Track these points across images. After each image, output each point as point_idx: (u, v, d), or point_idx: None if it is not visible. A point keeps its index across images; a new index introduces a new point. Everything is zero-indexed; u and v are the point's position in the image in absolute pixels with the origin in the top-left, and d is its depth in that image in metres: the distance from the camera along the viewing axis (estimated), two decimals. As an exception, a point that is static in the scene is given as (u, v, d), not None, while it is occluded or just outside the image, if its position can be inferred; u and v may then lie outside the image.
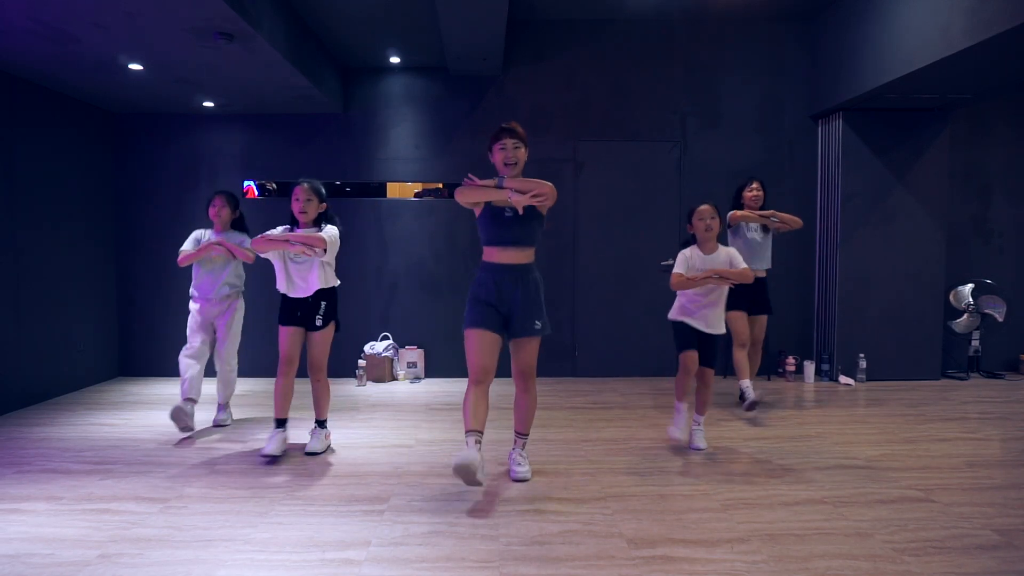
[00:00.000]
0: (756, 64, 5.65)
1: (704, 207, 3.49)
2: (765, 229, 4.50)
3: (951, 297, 5.63)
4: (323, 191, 3.52)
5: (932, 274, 5.44)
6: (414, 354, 5.65)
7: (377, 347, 5.59)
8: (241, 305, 4.09)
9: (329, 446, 3.62)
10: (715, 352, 3.53)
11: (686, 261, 3.48)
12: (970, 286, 5.59)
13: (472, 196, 2.99)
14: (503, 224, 2.95)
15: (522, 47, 5.59)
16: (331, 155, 5.69)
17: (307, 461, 3.40)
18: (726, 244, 3.71)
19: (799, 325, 5.75)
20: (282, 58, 4.21)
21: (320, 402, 3.57)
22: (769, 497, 2.87)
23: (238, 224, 4.07)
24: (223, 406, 4.15)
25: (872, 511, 2.71)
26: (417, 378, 5.65)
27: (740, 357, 4.35)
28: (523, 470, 3.10)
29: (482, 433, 2.90)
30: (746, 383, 4.34)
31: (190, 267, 3.99)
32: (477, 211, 3.03)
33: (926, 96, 4.91)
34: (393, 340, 5.68)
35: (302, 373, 3.57)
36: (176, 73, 4.51)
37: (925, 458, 3.42)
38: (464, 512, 2.71)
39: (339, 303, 3.61)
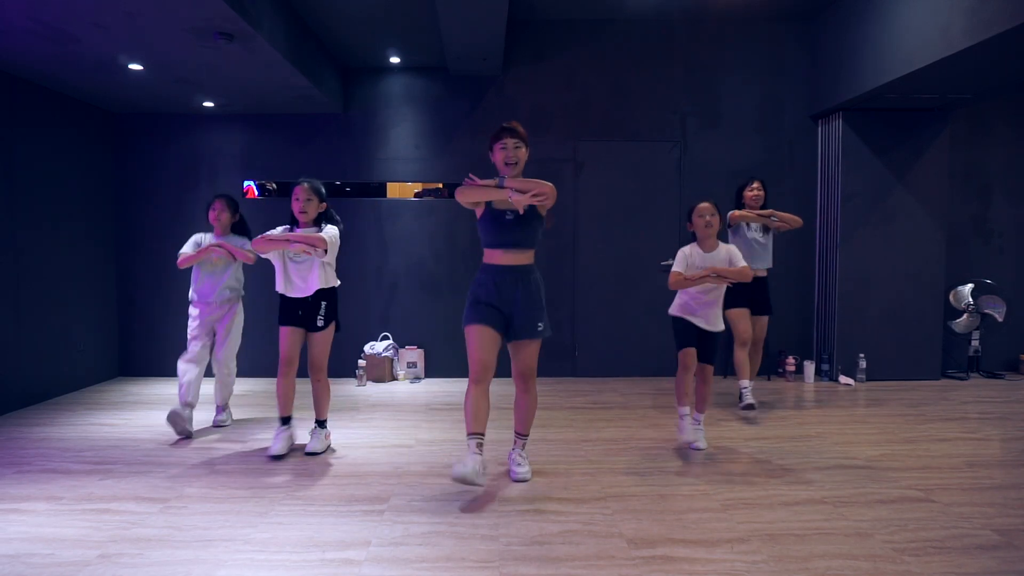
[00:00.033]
0: (756, 64, 5.66)
1: (704, 204, 3.50)
2: (766, 229, 4.50)
3: (951, 297, 5.63)
4: (323, 191, 3.52)
5: (932, 274, 5.44)
6: (414, 354, 5.65)
7: (377, 347, 5.59)
8: (241, 309, 4.08)
9: (329, 446, 3.62)
10: (715, 349, 3.54)
11: (685, 259, 3.48)
12: (970, 286, 5.59)
13: (472, 196, 2.98)
14: (504, 227, 2.95)
15: (522, 47, 5.59)
16: (331, 155, 5.69)
17: (307, 461, 3.41)
18: (727, 243, 3.72)
19: (799, 325, 5.75)
20: (282, 58, 4.21)
21: (320, 402, 3.57)
22: (769, 497, 2.87)
23: (238, 228, 4.07)
24: (222, 408, 4.14)
25: (872, 511, 2.71)
26: (417, 378, 5.65)
27: (741, 357, 4.35)
28: (523, 471, 3.10)
29: (483, 435, 2.93)
30: (745, 383, 4.36)
31: (190, 269, 3.99)
32: (478, 212, 3.03)
33: (926, 96, 4.92)
34: (393, 340, 5.68)
35: (302, 373, 3.57)
36: (176, 73, 4.51)
37: (925, 458, 3.42)
38: (464, 512, 2.71)
39: (339, 303, 3.62)
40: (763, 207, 4.49)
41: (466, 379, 3.10)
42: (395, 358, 5.62)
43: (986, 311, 5.54)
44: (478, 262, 3.09)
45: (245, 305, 4.17)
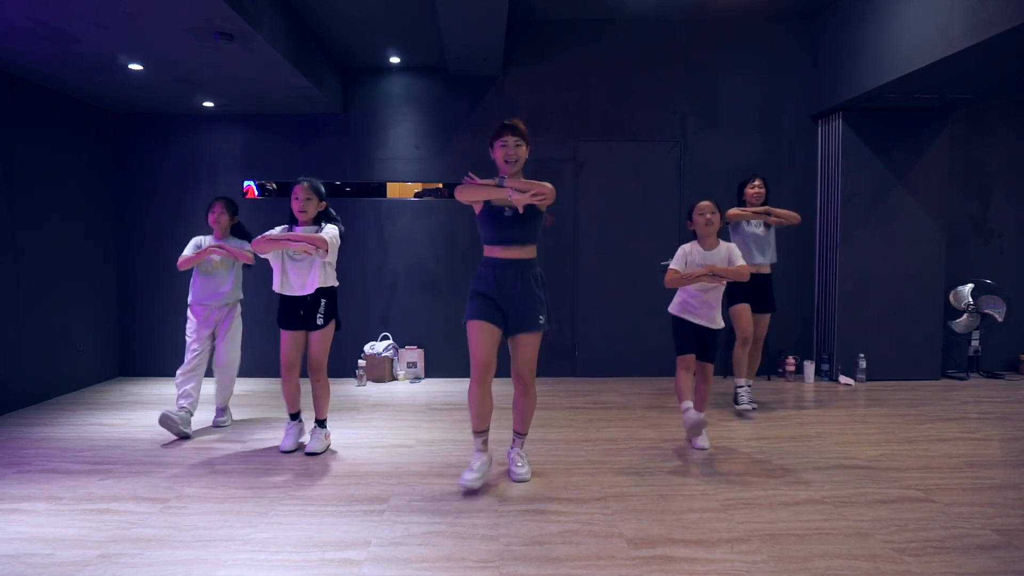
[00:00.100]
0: (756, 64, 5.65)
1: (704, 203, 3.50)
2: (767, 223, 4.50)
3: (951, 297, 5.63)
4: (322, 190, 3.52)
5: (932, 274, 5.44)
6: (414, 354, 5.65)
7: (377, 347, 5.59)
8: (239, 313, 4.09)
9: (329, 446, 3.62)
10: (714, 347, 3.54)
11: (684, 256, 3.49)
12: (970, 286, 5.59)
13: (472, 195, 2.98)
14: (503, 223, 2.94)
15: (522, 47, 5.59)
16: (331, 155, 5.69)
17: (307, 461, 3.41)
18: (728, 241, 3.72)
19: (799, 325, 5.75)
20: (282, 58, 4.21)
21: (320, 402, 3.58)
22: (769, 497, 2.87)
23: (237, 230, 4.07)
24: (222, 409, 4.14)
25: (872, 511, 2.71)
26: (417, 378, 5.65)
27: (740, 355, 4.36)
28: (522, 471, 3.10)
29: (488, 430, 3.05)
30: (742, 382, 4.38)
31: (189, 273, 3.99)
32: (477, 210, 3.02)
33: (926, 96, 4.92)
34: (393, 340, 5.68)
35: (303, 372, 3.58)
36: (176, 73, 4.51)
37: (925, 458, 3.42)
38: (464, 512, 2.71)
39: (339, 303, 3.62)
40: (764, 204, 4.49)
41: (466, 379, 3.10)
42: (395, 358, 5.62)
43: (986, 311, 5.54)
44: (478, 262, 3.09)
45: (245, 306, 4.18)
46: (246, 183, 5.71)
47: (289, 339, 3.49)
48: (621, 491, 2.95)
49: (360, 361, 5.48)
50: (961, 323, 5.59)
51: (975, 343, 5.65)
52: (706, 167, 5.64)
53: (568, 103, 5.64)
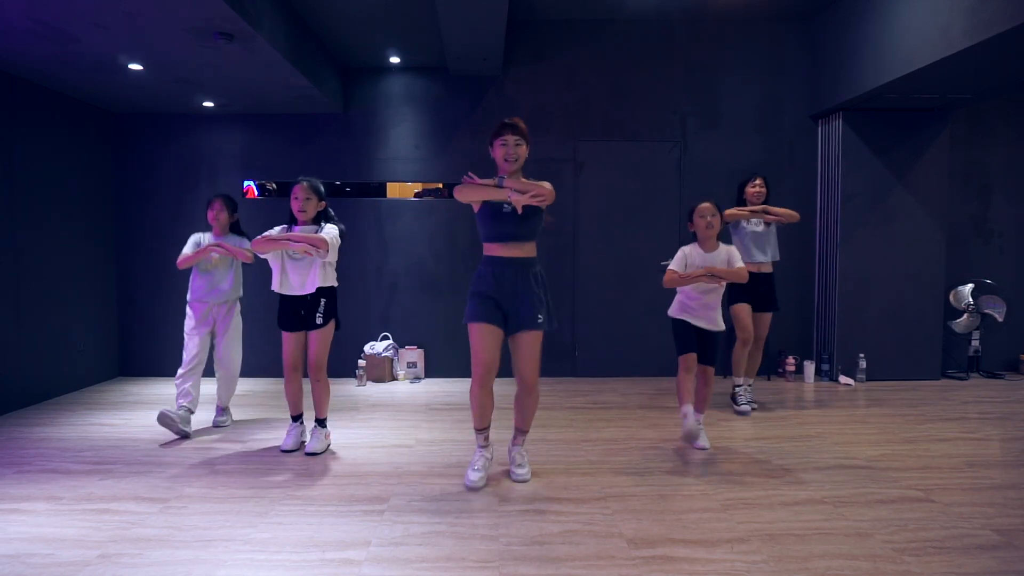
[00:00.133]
0: (756, 64, 5.65)
1: (705, 205, 3.49)
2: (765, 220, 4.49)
3: (951, 297, 5.63)
4: (322, 189, 3.52)
5: (932, 274, 5.44)
6: (414, 354, 5.65)
7: (377, 347, 5.59)
8: (239, 310, 4.09)
9: (329, 446, 3.62)
10: (715, 350, 3.53)
11: (684, 258, 3.48)
12: (970, 286, 5.59)
13: (471, 195, 2.98)
14: (502, 219, 2.93)
15: (522, 47, 5.59)
16: (331, 155, 5.69)
17: (307, 461, 3.41)
18: (729, 242, 3.72)
19: (799, 325, 5.75)
20: (282, 58, 4.21)
21: (320, 402, 3.58)
22: (769, 497, 2.87)
23: (235, 228, 4.07)
24: (222, 408, 4.14)
25: (872, 511, 2.71)
26: (417, 378, 5.65)
27: (740, 356, 4.37)
28: (523, 472, 3.10)
29: (489, 427, 3.11)
30: (740, 381, 4.40)
31: (189, 269, 3.99)
32: (476, 207, 3.02)
33: (926, 96, 4.92)
34: (393, 340, 5.68)
35: (304, 373, 3.58)
36: (176, 73, 4.51)
37: (925, 458, 3.42)
38: (464, 512, 2.71)
39: (339, 303, 3.62)
40: (764, 203, 4.48)
41: (466, 379, 3.10)
42: (395, 358, 5.62)
43: (986, 311, 5.54)
44: (478, 262, 3.08)
45: (245, 306, 4.17)
46: (246, 183, 5.71)
47: (290, 340, 3.50)
48: (621, 491, 2.95)
49: (360, 361, 5.48)
50: (961, 323, 5.59)
51: (975, 343, 5.65)
52: (706, 167, 5.64)
53: (568, 103, 5.64)
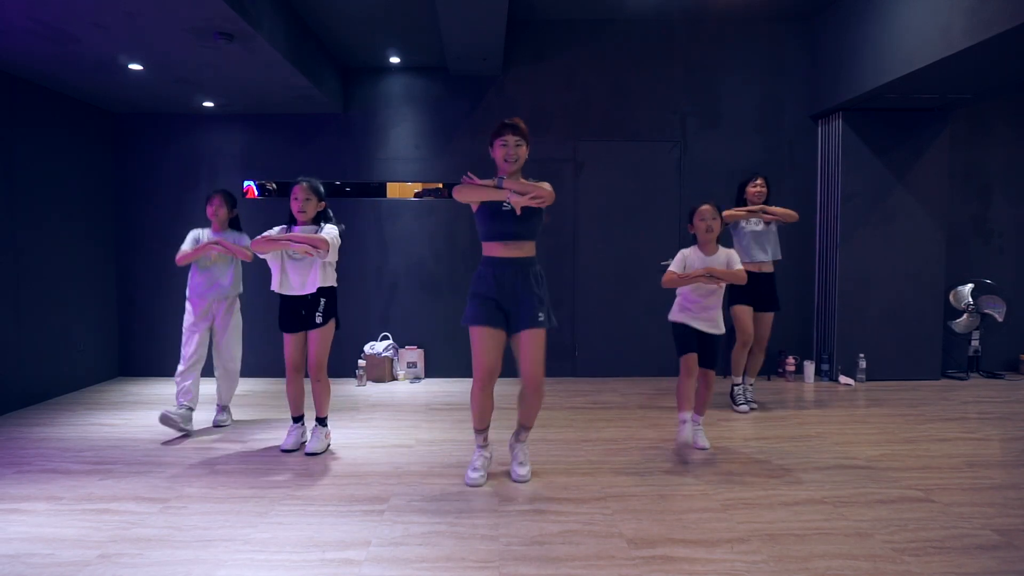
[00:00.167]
0: (756, 64, 5.65)
1: (705, 207, 3.47)
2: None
3: (951, 297, 5.63)
4: (322, 190, 3.52)
5: (932, 274, 5.44)
6: (414, 354, 5.65)
7: (377, 347, 5.59)
8: (238, 307, 4.09)
9: (328, 446, 3.62)
10: (716, 353, 3.51)
11: (684, 260, 3.47)
12: (970, 286, 5.59)
13: (471, 195, 2.97)
14: (502, 218, 2.92)
15: (522, 47, 5.59)
16: (331, 155, 5.69)
17: (307, 461, 3.41)
18: (730, 244, 3.71)
19: (799, 325, 5.75)
20: (282, 58, 4.21)
21: (320, 401, 3.58)
22: (769, 497, 2.87)
23: (234, 224, 4.07)
24: (222, 407, 4.14)
25: (872, 511, 2.71)
26: (417, 378, 5.65)
27: (739, 357, 4.39)
28: (524, 471, 3.09)
29: (488, 428, 3.12)
30: (738, 380, 4.43)
31: (188, 266, 3.99)
32: (474, 206, 3.01)
33: (926, 96, 4.92)
34: (393, 340, 5.68)
35: (305, 373, 3.59)
36: (176, 73, 4.51)
37: (925, 458, 3.42)
38: (464, 512, 2.71)
39: (339, 303, 3.62)
40: (765, 203, 4.47)
41: (466, 379, 3.11)
42: (395, 358, 5.62)
43: (986, 311, 5.54)
44: (478, 262, 3.08)
45: (245, 306, 4.17)
46: (246, 183, 5.71)
47: (291, 342, 3.50)
48: (621, 491, 2.95)
49: (360, 361, 5.48)
50: (961, 323, 5.59)
51: (975, 343, 5.65)
52: (706, 167, 5.64)
53: (568, 103, 5.64)
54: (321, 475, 3.19)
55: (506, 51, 5.46)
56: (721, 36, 5.63)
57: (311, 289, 3.43)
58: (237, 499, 2.86)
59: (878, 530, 2.53)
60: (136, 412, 4.47)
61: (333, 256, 3.48)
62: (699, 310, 3.44)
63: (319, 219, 3.52)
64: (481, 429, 3.11)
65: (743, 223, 4.45)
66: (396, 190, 5.75)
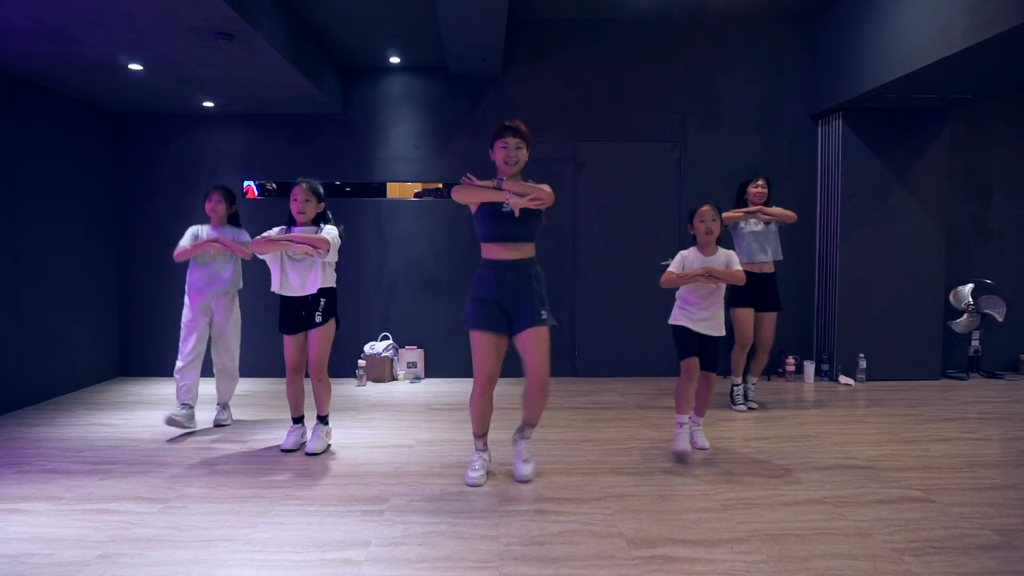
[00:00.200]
0: (756, 64, 5.66)
1: (705, 208, 3.44)
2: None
3: (951, 297, 5.63)
4: (321, 191, 3.52)
5: (932, 274, 5.44)
6: (414, 354, 5.65)
7: (377, 347, 5.59)
8: (237, 304, 4.09)
9: (329, 445, 3.63)
10: (716, 356, 3.49)
11: (683, 261, 3.46)
12: (970, 286, 5.59)
13: (470, 196, 2.97)
14: (501, 219, 2.91)
15: (522, 47, 5.59)
16: (331, 155, 5.69)
17: (307, 461, 3.41)
18: (730, 245, 3.71)
19: (799, 325, 5.75)
20: (282, 58, 4.21)
21: (321, 400, 3.59)
22: (769, 497, 2.87)
23: (233, 220, 4.08)
24: (222, 406, 4.14)
25: (872, 511, 2.71)
26: (417, 378, 5.65)
27: (739, 359, 4.41)
28: (528, 470, 3.07)
29: (487, 432, 3.13)
30: (738, 381, 4.45)
31: (187, 263, 4.00)
32: (473, 207, 3.00)
33: (926, 96, 4.92)
34: (393, 340, 5.68)
35: (306, 373, 3.59)
36: (176, 73, 4.51)
37: (925, 458, 3.42)
38: (464, 512, 2.71)
39: (339, 303, 3.62)
40: (766, 204, 4.47)
41: (466, 379, 3.11)
42: (395, 358, 5.62)
43: (986, 311, 5.54)
44: (478, 262, 3.07)
45: (245, 305, 4.17)
46: (246, 183, 5.72)
47: (291, 343, 3.50)
48: (621, 491, 2.95)
49: (360, 361, 5.48)
50: (961, 323, 5.59)
51: (975, 343, 5.65)
52: (706, 167, 5.64)
53: (568, 103, 5.64)
54: (321, 475, 3.19)
55: (506, 51, 5.46)
56: (721, 36, 5.63)
57: (311, 290, 3.43)
58: (237, 499, 2.86)
59: (878, 530, 2.53)
60: (136, 412, 4.47)
61: (333, 256, 3.48)
62: (699, 311, 3.42)
63: (319, 220, 3.52)
64: (480, 434, 3.12)
65: (742, 224, 4.45)
66: (396, 190, 5.76)
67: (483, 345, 2.94)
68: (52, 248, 4.88)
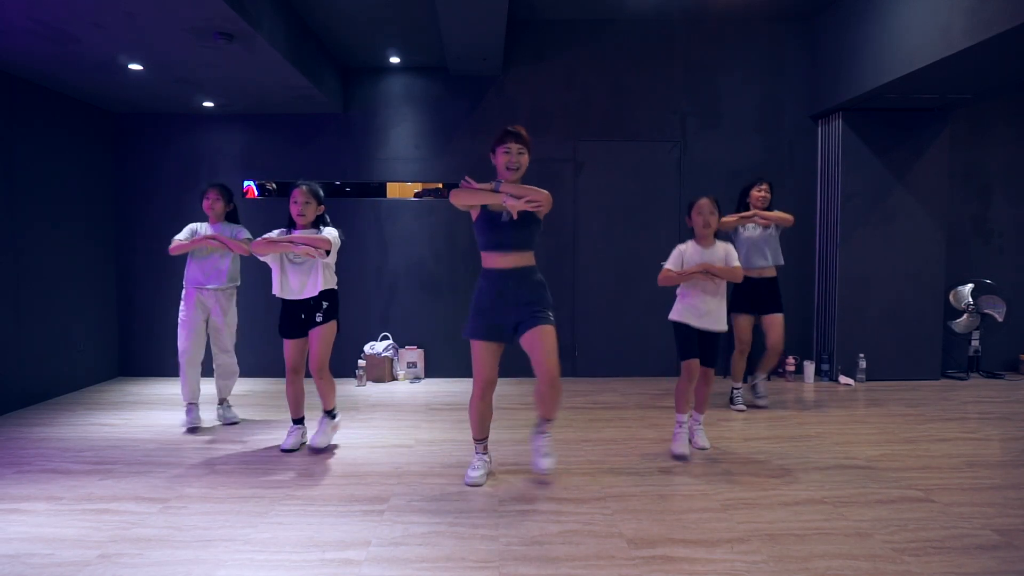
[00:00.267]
0: (756, 64, 5.65)
1: (703, 201, 3.43)
2: (764, 225, 4.48)
3: (951, 297, 5.63)
4: (321, 193, 3.53)
5: (932, 274, 5.44)
6: (414, 354, 5.65)
7: (377, 347, 5.59)
8: (235, 301, 4.10)
9: (332, 439, 3.65)
10: (716, 352, 3.49)
11: (680, 255, 3.45)
12: (970, 286, 5.59)
13: (467, 199, 2.97)
14: (500, 229, 2.92)
15: (522, 47, 5.59)
16: (331, 155, 5.69)
17: (307, 461, 3.41)
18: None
19: (799, 325, 5.74)
20: (282, 58, 4.21)
21: (325, 395, 3.60)
22: (769, 497, 2.87)
23: (231, 217, 4.09)
24: (223, 401, 4.15)
25: (872, 511, 2.71)
26: (417, 378, 5.65)
27: (739, 363, 4.44)
28: (548, 463, 2.98)
29: (488, 436, 3.14)
30: (738, 386, 4.48)
31: (184, 259, 4.01)
32: (474, 215, 3.01)
33: (926, 96, 4.91)
34: (393, 340, 5.68)
35: (307, 374, 3.60)
36: (176, 73, 4.51)
37: (925, 458, 3.42)
38: (464, 512, 2.71)
39: (340, 303, 3.62)
40: (769, 208, 4.46)
41: (466, 379, 3.11)
42: (395, 358, 5.62)
43: (986, 311, 5.54)
44: (478, 262, 3.07)
45: (245, 306, 4.18)
46: (246, 183, 5.72)
47: (291, 346, 3.51)
48: (621, 491, 2.95)
49: (360, 361, 5.48)
50: (961, 323, 5.59)
51: (975, 343, 5.65)
52: (706, 167, 5.64)
53: (568, 103, 5.63)
54: (321, 475, 3.19)
55: (506, 51, 5.46)
56: (721, 36, 5.63)
57: (311, 293, 3.43)
58: (237, 499, 2.86)
59: (878, 530, 2.53)
60: (136, 412, 4.47)
61: (332, 257, 3.48)
62: (701, 305, 3.41)
63: (318, 223, 3.52)
64: (481, 438, 3.12)
65: (740, 229, 4.44)
66: (396, 190, 5.76)
67: (482, 353, 2.96)
68: (52, 248, 4.88)
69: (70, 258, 5.10)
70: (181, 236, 3.93)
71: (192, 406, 4.02)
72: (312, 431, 3.71)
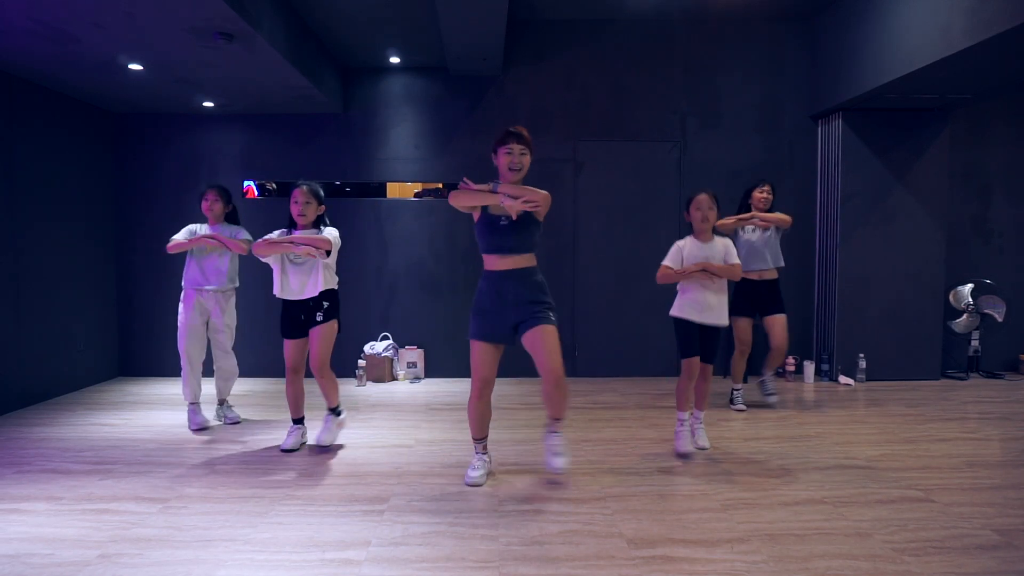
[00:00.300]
0: (756, 64, 5.65)
1: (702, 196, 3.42)
2: (764, 228, 4.47)
3: (951, 297, 5.63)
4: (321, 193, 3.53)
5: (932, 274, 5.44)
6: (414, 354, 5.65)
7: (377, 347, 5.59)
8: (233, 301, 4.10)
9: (336, 437, 3.65)
10: (716, 348, 3.49)
11: (679, 252, 3.44)
12: (970, 286, 5.59)
13: (466, 200, 2.97)
14: (499, 232, 2.92)
15: (522, 47, 5.59)
16: (331, 155, 5.69)
17: (307, 461, 3.41)
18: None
19: (799, 325, 5.74)
20: (282, 58, 4.21)
21: (329, 393, 3.60)
22: (769, 497, 2.87)
23: (231, 218, 4.09)
24: (225, 402, 4.15)
25: (872, 511, 2.71)
26: (417, 378, 5.65)
27: (739, 364, 4.44)
28: (559, 463, 2.94)
29: (487, 436, 3.13)
30: (739, 387, 4.50)
31: (183, 259, 4.01)
32: (475, 217, 3.01)
33: (926, 96, 4.91)
34: (393, 340, 5.68)
35: (307, 373, 3.60)
36: (176, 73, 4.51)
37: (925, 458, 3.42)
38: (464, 512, 2.71)
39: (340, 304, 3.62)
40: (770, 210, 4.45)
41: (466, 379, 3.10)
42: (395, 358, 5.62)
43: (986, 311, 5.54)
44: (478, 262, 3.08)
45: (245, 306, 4.18)
46: (246, 183, 5.72)
47: (291, 346, 3.52)
48: (621, 491, 2.95)
49: (360, 361, 5.48)
50: (961, 323, 5.59)
51: (975, 343, 5.65)
52: (706, 167, 5.64)
53: (568, 103, 5.63)
54: (321, 475, 3.19)
55: (506, 51, 5.46)
56: (721, 36, 5.63)
57: (311, 293, 3.43)
58: (237, 499, 2.86)
59: (878, 530, 2.53)
60: (136, 412, 4.47)
61: (332, 258, 3.48)
62: (702, 300, 3.39)
63: (319, 223, 3.52)
64: (480, 438, 3.12)
65: (740, 231, 4.44)
66: (396, 190, 5.75)
67: (480, 353, 2.97)
68: (52, 248, 4.88)
69: (70, 258, 5.10)
70: (179, 237, 3.94)
71: (195, 406, 4.03)
72: (313, 431, 3.72)
